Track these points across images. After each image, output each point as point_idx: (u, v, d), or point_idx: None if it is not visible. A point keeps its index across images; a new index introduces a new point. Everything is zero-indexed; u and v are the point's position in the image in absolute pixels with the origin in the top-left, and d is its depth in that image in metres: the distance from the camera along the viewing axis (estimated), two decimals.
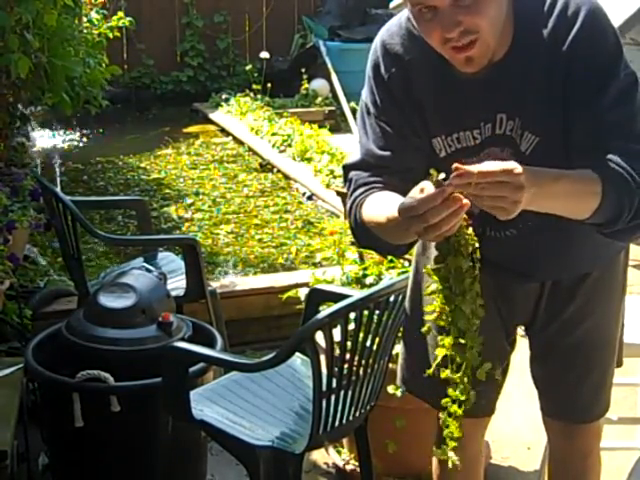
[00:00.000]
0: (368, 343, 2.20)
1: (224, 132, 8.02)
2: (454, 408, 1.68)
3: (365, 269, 3.00)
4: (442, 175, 1.49)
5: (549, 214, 1.79)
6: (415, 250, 2.12)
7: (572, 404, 2.06)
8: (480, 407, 1.98)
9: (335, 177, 5.79)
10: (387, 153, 1.80)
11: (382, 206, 1.72)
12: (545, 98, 1.70)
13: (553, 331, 2.01)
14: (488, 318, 1.95)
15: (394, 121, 1.81)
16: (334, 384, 2.15)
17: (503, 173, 1.49)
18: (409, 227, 1.53)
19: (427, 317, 1.72)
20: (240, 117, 8.04)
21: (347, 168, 1.90)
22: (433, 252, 2.02)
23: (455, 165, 1.49)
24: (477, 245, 1.62)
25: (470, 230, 1.60)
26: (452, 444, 1.70)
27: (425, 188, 1.49)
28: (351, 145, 5.64)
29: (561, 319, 1.99)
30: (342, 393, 2.18)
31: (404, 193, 1.59)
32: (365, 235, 1.83)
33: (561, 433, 2.11)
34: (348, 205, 1.87)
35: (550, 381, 2.08)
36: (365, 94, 1.87)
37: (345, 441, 2.94)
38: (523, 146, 1.74)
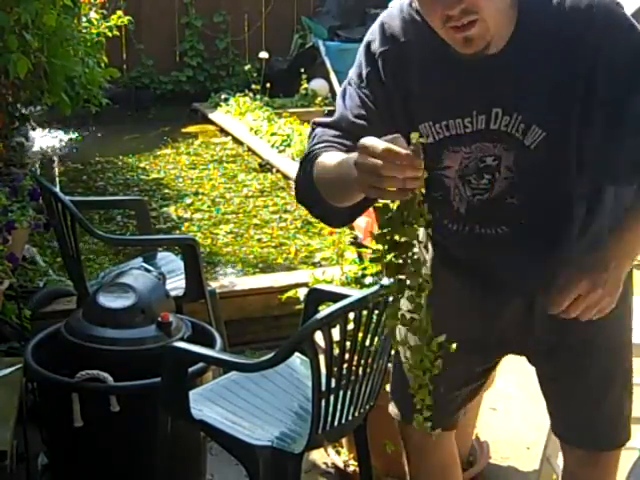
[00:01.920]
0: (367, 343, 2.20)
1: (223, 132, 8.02)
2: (419, 374, 1.59)
3: (364, 269, 3.00)
4: (422, 140, 1.43)
5: (546, 213, 1.77)
6: None
7: (590, 430, 2.00)
8: (437, 420, 1.99)
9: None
10: (361, 122, 1.75)
11: (337, 158, 1.66)
12: (554, 93, 1.67)
13: (558, 360, 1.96)
14: (466, 342, 1.86)
15: (376, 97, 1.76)
16: (333, 384, 2.15)
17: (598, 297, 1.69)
18: (360, 178, 1.43)
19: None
20: (239, 117, 8.04)
21: (316, 124, 1.84)
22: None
23: None
24: (428, 225, 1.52)
25: (424, 208, 1.49)
26: (427, 413, 1.62)
27: (392, 146, 1.41)
28: None
29: (568, 341, 1.92)
30: (341, 393, 2.18)
31: None
32: (308, 188, 1.75)
33: (578, 460, 2.04)
34: (303, 156, 1.81)
35: (565, 406, 2.03)
36: (352, 70, 1.82)
37: (344, 441, 2.94)
38: (528, 140, 1.70)
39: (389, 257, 1.51)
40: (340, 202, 1.69)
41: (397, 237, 1.49)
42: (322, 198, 1.72)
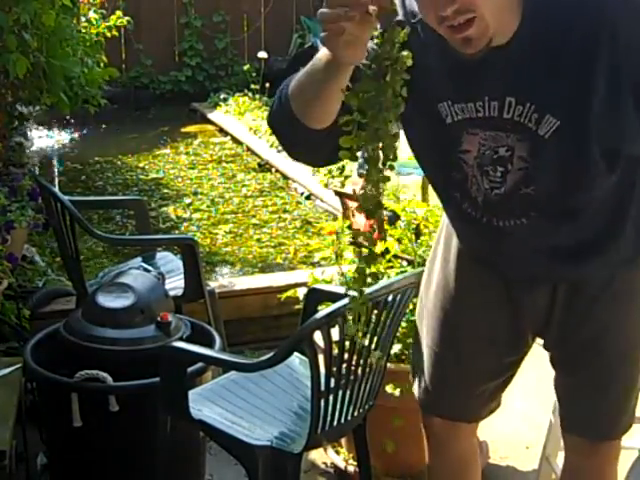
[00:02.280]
0: (366, 343, 2.19)
1: (222, 132, 8.01)
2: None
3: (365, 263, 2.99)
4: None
5: (564, 203, 1.76)
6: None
7: (593, 419, 2.00)
8: (461, 412, 2.00)
9: (334, 177, 5.79)
10: None
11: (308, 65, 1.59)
12: (569, 82, 1.63)
13: (572, 346, 1.97)
14: (489, 334, 1.95)
15: None
16: (332, 384, 2.15)
17: None
18: (326, 29, 1.40)
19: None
20: (239, 117, 8.04)
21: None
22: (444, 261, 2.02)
23: None
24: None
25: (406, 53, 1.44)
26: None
27: None
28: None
29: (580, 336, 1.94)
30: (340, 393, 2.18)
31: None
32: (283, 112, 1.66)
33: (579, 449, 2.04)
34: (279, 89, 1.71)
35: (571, 394, 2.03)
36: None
37: (344, 441, 2.94)
38: (542, 130, 1.66)
39: (357, 117, 1.45)
40: (316, 114, 1.62)
41: (368, 94, 1.44)
42: (299, 124, 1.65)
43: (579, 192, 1.75)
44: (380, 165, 1.45)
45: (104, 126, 8.32)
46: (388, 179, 1.48)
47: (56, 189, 3.43)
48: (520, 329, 1.99)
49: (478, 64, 1.63)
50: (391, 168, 1.48)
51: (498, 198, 1.76)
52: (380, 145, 1.44)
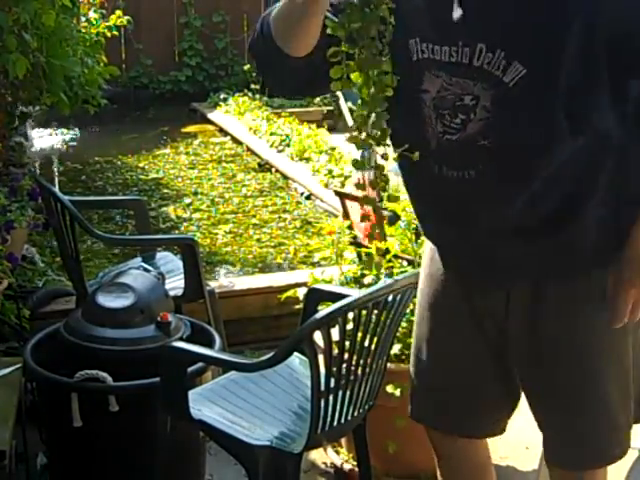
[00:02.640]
0: (366, 343, 2.19)
1: (222, 132, 8.02)
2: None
3: (364, 269, 3.00)
4: None
5: (518, 159, 1.71)
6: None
7: (560, 449, 1.93)
8: (466, 427, 1.99)
9: (334, 177, 5.79)
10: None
11: None
12: (542, 31, 1.62)
13: (526, 366, 1.91)
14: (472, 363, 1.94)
15: None
16: (332, 384, 2.15)
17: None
18: None
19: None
20: (238, 117, 8.04)
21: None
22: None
23: None
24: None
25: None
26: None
27: None
28: (349, 144, 5.63)
29: (531, 350, 1.88)
30: (340, 393, 2.18)
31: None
32: (264, 38, 1.71)
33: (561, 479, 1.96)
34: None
35: (541, 422, 1.97)
36: None
37: (344, 441, 2.94)
38: (507, 77, 1.65)
39: (345, 47, 1.50)
40: (295, 42, 1.66)
41: (355, 24, 1.49)
42: (279, 51, 1.68)
43: (536, 152, 1.70)
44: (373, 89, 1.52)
45: (104, 126, 8.32)
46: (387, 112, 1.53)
47: (56, 189, 3.43)
48: (483, 350, 1.96)
49: (455, 7, 1.64)
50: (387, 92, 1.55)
51: (450, 144, 1.72)
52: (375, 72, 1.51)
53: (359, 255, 3.17)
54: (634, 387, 1.90)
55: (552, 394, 1.91)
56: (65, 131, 8.28)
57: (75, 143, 8.11)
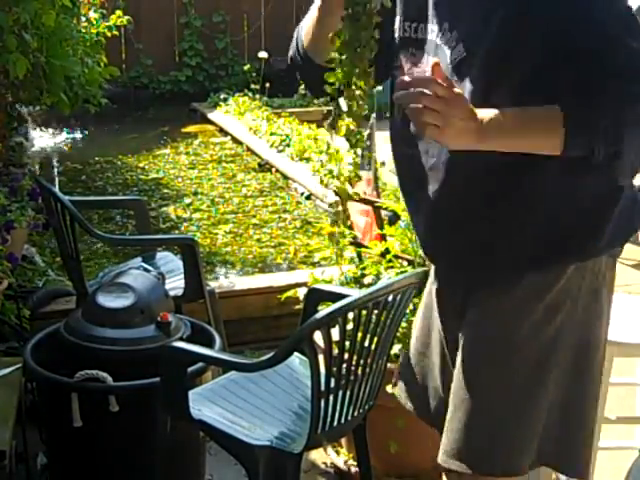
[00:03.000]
0: (366, 343, 2.19)
1: (223, 132, 8.02)
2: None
3: (363, 269, 3.00)
4: None
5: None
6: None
7: (447, 448, 1.84)
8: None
9: (334, 177, 5.78)
10: None
11: None
12: (481, 17, 1.65)
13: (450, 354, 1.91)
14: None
15: None
16: (332, 384, 2.15)
17: (439, 85, 1.51)
18: None
19: None
20: (239, 117, 8.04)
21: None
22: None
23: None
24: None
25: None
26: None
27: None
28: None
29: (454, 340, 1.87)
30: (340, 393, 2.18)
31: None
32: (297, 48, 1.92)
33: None
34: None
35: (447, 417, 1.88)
36: None
37: (344, 441, 2.94)
38: (452, 57, 1.69)
39: (338, 56, 1.66)
40: (319, 49, 1.80)
41: (344, 35, 1.64)
42: (309, 59, 1.86)
43: None
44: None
45: (104, 126, 8.33)
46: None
47: (56, 189, 3.43)
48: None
49: None
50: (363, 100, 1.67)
51: (404, 117, 1.74)
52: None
53: (359, 255, 3.17)
54: (543, 426, 1.80)
55: (453, 395, 1.86)
56: (65, 131, 8.27)
57: (75, 143, 8.11)
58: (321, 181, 5.72)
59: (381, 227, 3.21)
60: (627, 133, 1.55)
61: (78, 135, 8.29)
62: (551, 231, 1.74)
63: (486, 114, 1.57)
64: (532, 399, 1.78)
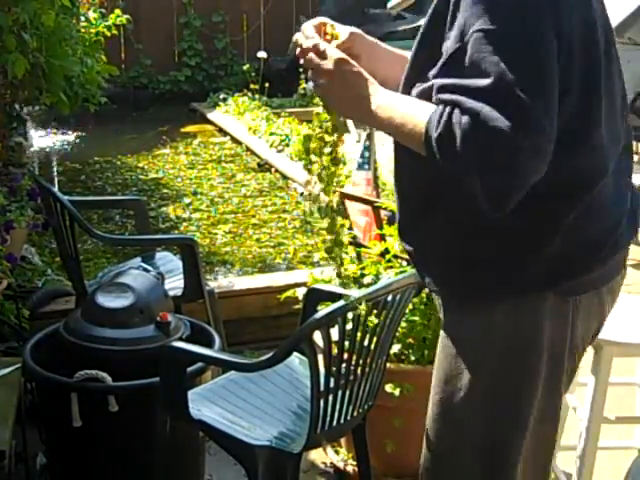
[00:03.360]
0: (366, 343, 2.20)
1: (222, 132, 8.02)
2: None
3: (363, 269, 3.00)
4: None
5: None
6: None
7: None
8: None
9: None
10: None
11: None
12: (427, 26, 1.67)
13: None
14: None
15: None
16: (332, 384, 2.15)
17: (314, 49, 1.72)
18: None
19: None
20: (238, 117, 8.04)
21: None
22: None
23: None
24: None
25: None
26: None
27: None
28: (349, 144, 5.63)
29: None
30: (340, 393, 2.18)
31: None
32: None
33: None
34: None
35: None
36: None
37: (343, 441, 2.94)
38: (415, 49, 1.71)
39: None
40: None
41: None
42: None
43: None
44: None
45: (103, 126, 8.33)
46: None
47: (55, 189, 3.43)
48: None
49: None
50: None
51: None
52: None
53: (359, 255, 3.17)
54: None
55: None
56: (65, 131, 8.27)
57: (74, 143, 8.11)
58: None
59: (380, 227, 3.21)
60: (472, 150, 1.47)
61: (78, 135, 8.29)
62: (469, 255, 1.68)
63: (363, 91, 1.67)
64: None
